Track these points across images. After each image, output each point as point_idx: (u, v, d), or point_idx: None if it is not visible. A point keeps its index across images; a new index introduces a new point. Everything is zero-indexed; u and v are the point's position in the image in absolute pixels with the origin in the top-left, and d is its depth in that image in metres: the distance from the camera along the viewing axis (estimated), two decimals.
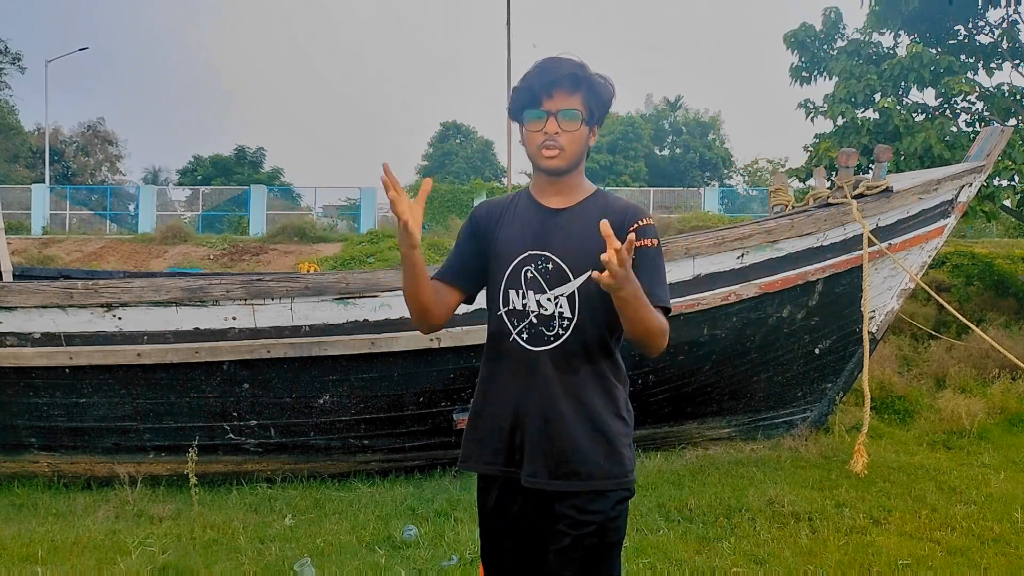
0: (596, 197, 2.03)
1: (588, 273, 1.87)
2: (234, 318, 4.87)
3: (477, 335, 4.93)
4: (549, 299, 1.94)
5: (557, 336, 1.94)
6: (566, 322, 1.93)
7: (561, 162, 1.96)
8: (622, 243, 1.67)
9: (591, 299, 1.92)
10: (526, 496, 1.97)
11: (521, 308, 1.96)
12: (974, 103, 11.73)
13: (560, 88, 1.93)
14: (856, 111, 11.39)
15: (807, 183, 11.43)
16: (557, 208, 2.01)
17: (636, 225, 1.94)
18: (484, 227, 2.08)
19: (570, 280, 1.93)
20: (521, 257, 1.98)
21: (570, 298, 1.93)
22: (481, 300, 2.14)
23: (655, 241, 1.96)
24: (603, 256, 1.65)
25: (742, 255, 5.48)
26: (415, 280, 1.93)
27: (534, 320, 1.95)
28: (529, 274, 1.96)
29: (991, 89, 11.49)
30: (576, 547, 1.89)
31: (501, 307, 2.00)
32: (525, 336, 1.96)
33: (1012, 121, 11.35)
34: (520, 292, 1.96)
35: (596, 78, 1.98)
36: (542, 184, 2.04)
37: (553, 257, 1.96)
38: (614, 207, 1.99)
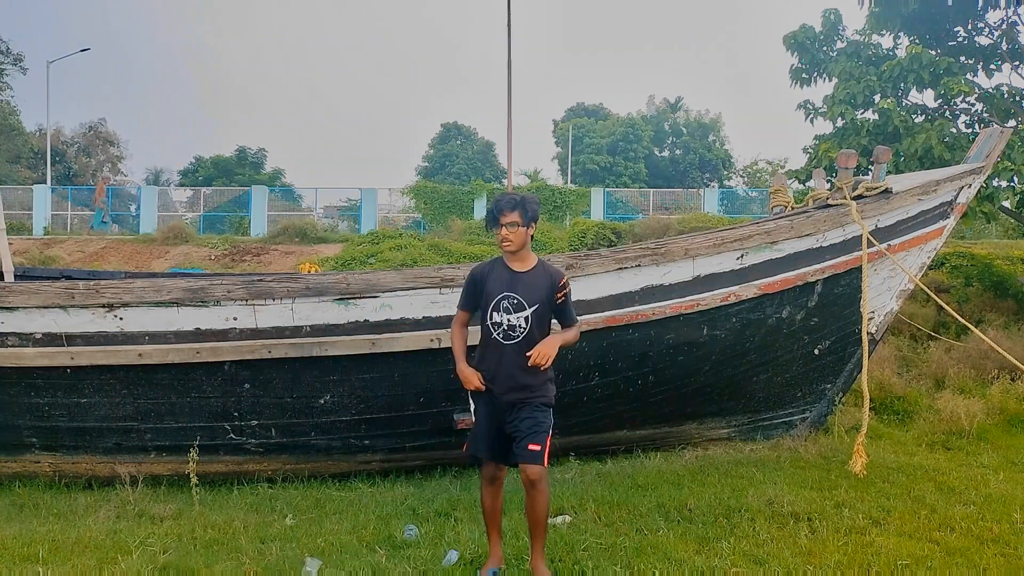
0: (540, 265, 3.78)
1: (536, 306, 3.68)
2: (235, 318, 4.88)
3: (476, 336, 4.94)
4: (515, 318, 3.68)
5: (518, 337, 3.68)
6: (521, 330, 3.67)
7: (512, 248, 3.70)
8: (555, 290, 3.72)
9: (535, 320, 3.70)
10: (497, 403, 3.72)
11: (497, 321, 3.69)
12: (973, 104, 11.73)
13: (504, 211, 3.68)
14: (856, 112, 11.38)
15: (807, 184, 11.43)
16: (519, 271, 3.74)
17: (563, 281, 3.75)
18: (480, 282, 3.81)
19: (525, 310, 3.67)
20: (500, 295, 3.70)
21: (525, 318, 3.67)
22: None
23: (568, 289, 3.78)
24: (531, 360, 3.59)
25: (742, 256, 5.49)
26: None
27: (507, 328, 3.68)
28: (504, 304, 3.68)
29: (990, 90, 11.48)
30: (526, 409, 3.66)
31: (488, 320, 3.71)
32: (501, 336, 3.69)
33: (1011, 122, 11.35)
34: (498, 313, 3.69)
35: (527, 201, 3.72)
36: (508, 257, 3.76)
37: (518, 296, 3.68)
38: (548, 271, 3.77)
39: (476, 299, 3.78)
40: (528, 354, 3.59)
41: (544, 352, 3.57)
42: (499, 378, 3.67)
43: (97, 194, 26.24)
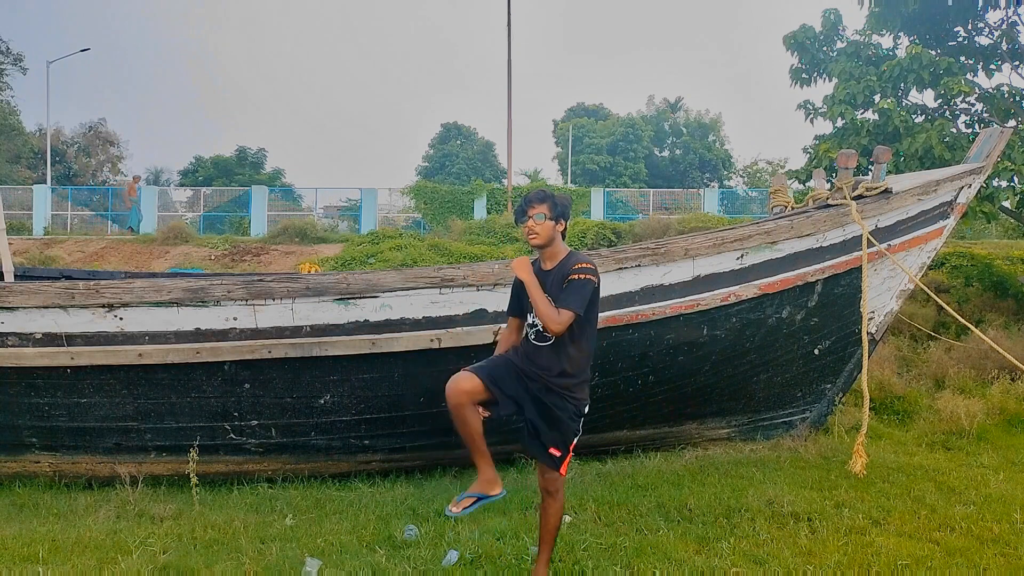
0: (566, 259, 3.56)
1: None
2: (235, 318, 4.88)
3: (477, 336, 4.95)
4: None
5: (551, 338, 3.50)
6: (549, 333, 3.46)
7: (538, 241, 3.54)
8: (570, 280, 3.43)
9: None
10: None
11: (531, 323, 3.56)
12: (973, 104, 11.73)
13: (533, 203, 3.52)
14: (856, 112, 11.38)
15: (807, 184, 11.43)
16: (547, 270, 3.57)
17: (576, 266, 3.46)
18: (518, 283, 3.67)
19: None
20: None
21: None
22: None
23: (583, 276, 3.43)
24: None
25: (742, 256, 5.49)
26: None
27: (539, 329, 3.51)
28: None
29: (990, 90, 11.48)
30: (555, 400, 3.53)
31: (524, 321, 3.64)
32: (533, 336, 3.57)
33: (1011, 122, 11.35)
34: (531, 314, 3.54)
35: (556, 196, 3.56)
36: (539, 253, 3.62)
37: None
38: (569, 262, 3.52)
39: (518, 301, 3.66)
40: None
41: (517, 265, 3.51)
42: (533, 375, 3.52)
43: (128, 193, 26.18)
